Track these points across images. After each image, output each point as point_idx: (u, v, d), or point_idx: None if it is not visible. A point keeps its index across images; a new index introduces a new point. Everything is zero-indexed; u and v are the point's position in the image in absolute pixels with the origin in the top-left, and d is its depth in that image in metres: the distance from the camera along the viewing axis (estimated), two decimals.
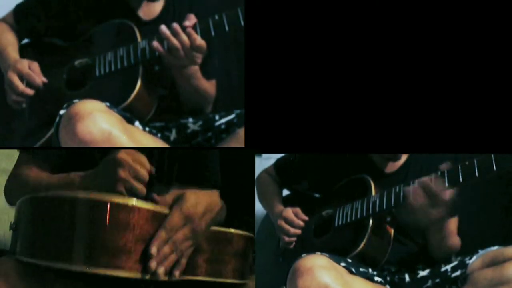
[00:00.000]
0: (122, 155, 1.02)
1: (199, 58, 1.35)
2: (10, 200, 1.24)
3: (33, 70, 1.43)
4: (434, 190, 1.32)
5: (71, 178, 1.12)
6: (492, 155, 1.28)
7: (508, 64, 1.39)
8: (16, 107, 1.45)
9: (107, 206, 0.92)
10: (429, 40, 1.39)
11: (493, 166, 1.27)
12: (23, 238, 0.98)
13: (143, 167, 1.02)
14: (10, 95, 1.44)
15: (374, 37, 1.39)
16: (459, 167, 1.32)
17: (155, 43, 1.34)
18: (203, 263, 1.04)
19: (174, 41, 1.32)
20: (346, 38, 1.39)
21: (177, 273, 0.99)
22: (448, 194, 1.31)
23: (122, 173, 1.00)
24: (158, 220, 0.97)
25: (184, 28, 1.32)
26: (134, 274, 0.93)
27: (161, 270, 0.96)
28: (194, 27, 1.33)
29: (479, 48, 1.39)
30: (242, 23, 1.31)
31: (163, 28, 1.33)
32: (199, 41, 1.32)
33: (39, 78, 1.43)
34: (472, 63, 1.39)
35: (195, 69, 1.40)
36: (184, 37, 1.32)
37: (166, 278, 0.98)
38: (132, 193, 0.99)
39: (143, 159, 1.03)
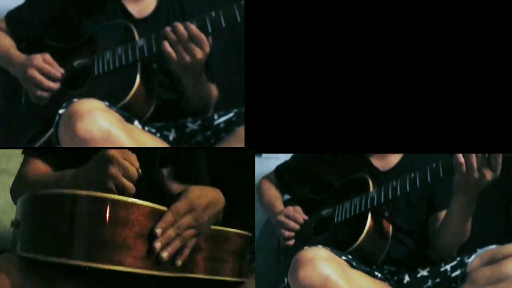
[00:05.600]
0: (112, 152, 1.02)
1: (199, 52, 1.33)
2: (16, 200, 1.24)
3: (49, 63, 1.44)
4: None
5: (63, 175, 1.13)
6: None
7: (504, 64, 1.39)
8: (40, 102, 1.45)
9: (107, 203, 0.93)
10: (430, 41, 1.40)
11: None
12: (24, 235, 0.99)
13: (133, 166, 1.03)
14: (34, 91, 1.43)
15: (374, 35, 1.39)
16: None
17: (167, 47, 1.33)
18: (202, 262, 1.04)
19: (172, 36, 1.32)
20: (346, 37, 1.39)
21: (179, 262, 1.00)
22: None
23: (113, 170, 1.00)
24: (157, 217, 0.98)
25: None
26: (134, 269, 0.93)
27: (165, 254, 0.96)
28: (191, 23, 1.33)
29: (475, 49, 1.39)
30: (239, 19, 1.32)
31: (167, 28, 1.34)
32: (195, 30, 1.32)
33: (58, 70, 1.44)
34: (468, 63, 1.40)
35: (201, 73, 1.41)
36: (181, 28, 1.32)
37: (167, 258, 0.98)
38: (121, 190, 1.00)
39: (133, 157, 1.04)
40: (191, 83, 1.41)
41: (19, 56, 1.48)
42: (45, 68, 1.42)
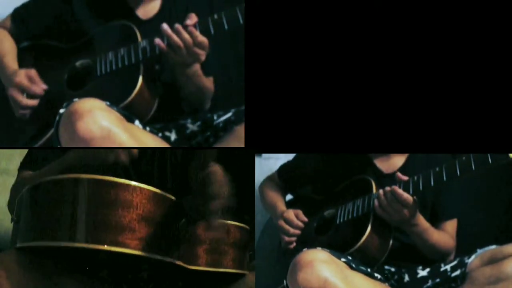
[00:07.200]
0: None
1: (202, 55, 1.35)
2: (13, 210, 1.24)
3: (32, 79, 1.43)
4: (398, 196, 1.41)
5: (63, 159, 1.15)
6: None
7: (506, 65, 1.40)
8: (24, 118, 1.45)
9: (110, 186, 0.94)
10: (429, 41, 1.41)
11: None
12: (25, 225, 0.98)
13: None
14: (16, 109, 1.44)
15: (374, 36, 1.40)
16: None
17: (157, 40, 1.34)
18: (203, 254, 1.05)
19: (176, 39, 1.33)
20: (346, 37, 1.40)
21: None
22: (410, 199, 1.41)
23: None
24: (161, 201, 0.98)
25: (185, 27, 1.34)
26: (138, 252, 0.93)
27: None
28: (194, 26, 1.34)
29: (477, 49, 1.40)
30: (242, 21, 1.32)
31: (165, 26, 1.34)
32: (201, 38, 1.33)
33: (39, 87, 1.43)
34: (471, 63, 1.40)
35: (197, 67, 1.41)
36: (185, 35, 1.33)
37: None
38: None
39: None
40: (184, 72, 1.42)
41: (10, 67, 1.47)
42: (25, 86, 1.42)
